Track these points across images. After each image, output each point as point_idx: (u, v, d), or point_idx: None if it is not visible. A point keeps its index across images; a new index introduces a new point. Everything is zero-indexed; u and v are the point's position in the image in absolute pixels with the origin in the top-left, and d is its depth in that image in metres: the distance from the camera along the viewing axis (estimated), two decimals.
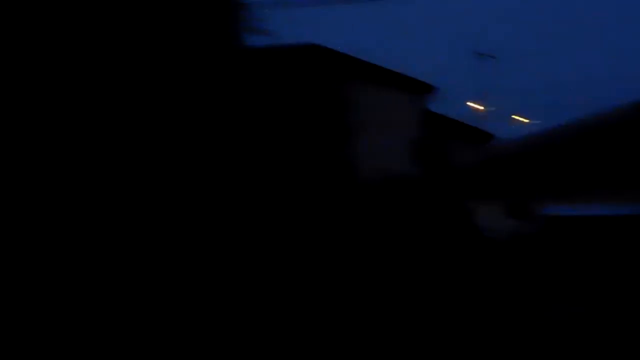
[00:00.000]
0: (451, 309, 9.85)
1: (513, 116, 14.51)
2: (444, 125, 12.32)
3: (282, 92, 10.36)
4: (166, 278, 8.29)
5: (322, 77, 10.86)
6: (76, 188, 8.05)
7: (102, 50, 8.15)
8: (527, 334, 9.87)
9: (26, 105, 7.95)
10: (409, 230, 10.26)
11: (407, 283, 9.94)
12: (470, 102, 14.42)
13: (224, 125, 9.09)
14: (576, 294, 9.98)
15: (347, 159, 10.52)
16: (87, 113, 8.06)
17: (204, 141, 8.71)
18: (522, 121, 14.07)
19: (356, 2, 13.43)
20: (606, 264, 10.06)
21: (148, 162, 8.29)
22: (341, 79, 11.09)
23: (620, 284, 10.04)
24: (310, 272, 9.33)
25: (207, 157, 8.68)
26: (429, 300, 9.84)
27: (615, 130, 10.69)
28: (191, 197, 8.49)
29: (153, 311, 8.18)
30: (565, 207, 10.33)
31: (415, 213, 10.34)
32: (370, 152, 10.75)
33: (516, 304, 9.90)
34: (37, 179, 7.94)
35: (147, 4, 8.46)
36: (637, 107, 10.99)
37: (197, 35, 8.90)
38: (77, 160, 8.03)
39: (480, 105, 14.34)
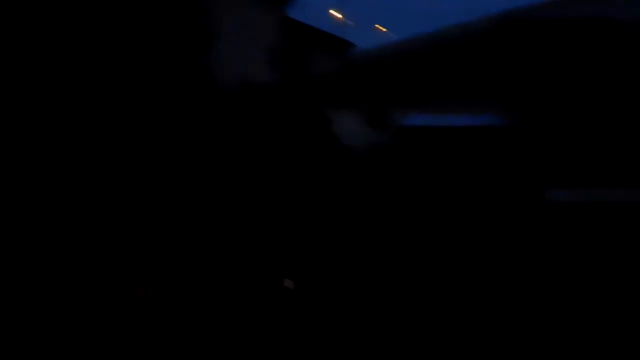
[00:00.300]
0: (308, 216, 9.87)
1: (374, 26, 14.42)
2: (303, 34, 12.16)
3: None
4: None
5: None
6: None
7: None
8: (385, 240, 9.98)
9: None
10: (267, 137, 10.17)
11: (264, 188, 9.91)
12: (331, 10, 14.26)
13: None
14: (432, 201, 10.13)
15: (204, 66, 10.29)
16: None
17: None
18: (383, 31, 13.99)
19: None
20: (461, 173, 10.20)
21: None
22: None
23: (474, 192, 10.23)
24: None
25: None
26: (286, 206, 9.84)
27: (475, 41, 10.74)
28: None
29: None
30: (423, 117, 10.38)
31: (274, 121, 10.24)
32: (228, 60, 10.53)
33: (374, 210, 9.99)
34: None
35: None
36: (498, 19, 11.05)
37: None
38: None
39: (341, 14, 14.20)
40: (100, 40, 9.53)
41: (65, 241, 9.01)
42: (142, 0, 9.96)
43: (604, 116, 10.12)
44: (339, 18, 14.65)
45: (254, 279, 9.88)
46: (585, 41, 10.25)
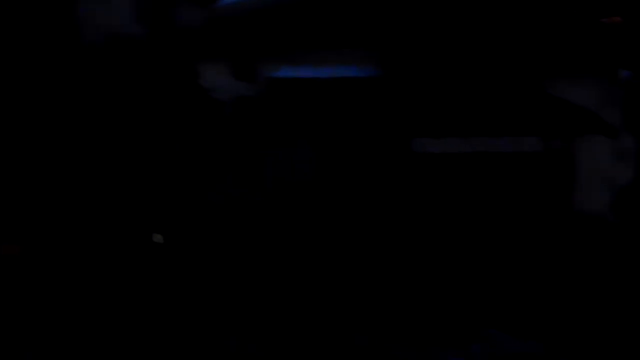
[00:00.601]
0: (176, 169, 9.82)
1: None
2: None
3: None
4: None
5: None
6: None
7: None
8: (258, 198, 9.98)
9: None
10: (134, 92, 10.06)
11: (132, 142, 9.83)
12: None
13: None
14: (298, 151, 10.14)
15: (68, 18, 10.11)
16: None
17: None
18: None
19: None
20: (329, 123, 10.21)
21: None
22: None
23: (342, 142, 10.26)
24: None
25: None
26: (154, 160, 9.77)
27: None
28: None
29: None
30: (292, 69, 10.34)
31: (141, 74, 10.11)
32: (92, 11, 10.35)
33: (241, 162, 9.97)
34: None
35: None
36: None
37: None
38: None
39: None
40: None
41: None
42: None
43: (470, 67, 10.18)
44: None
45: (126, 234, 9.83)
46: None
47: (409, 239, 9.94)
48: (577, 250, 9.83)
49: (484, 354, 8.34)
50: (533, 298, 9.62)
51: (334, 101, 10.19)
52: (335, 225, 10.00)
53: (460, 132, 10.04)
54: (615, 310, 9.30)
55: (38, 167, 9.66)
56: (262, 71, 10.25)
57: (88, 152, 9.78)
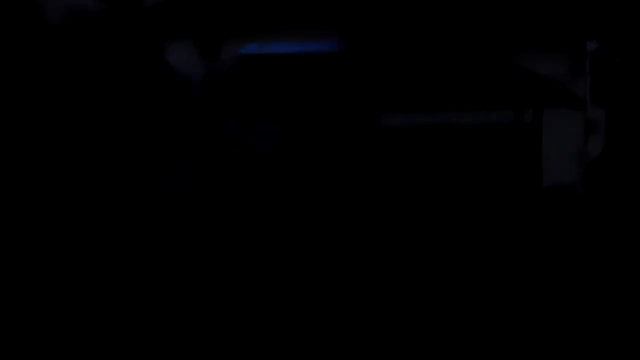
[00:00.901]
0: (143, 147, 9.74)
1: None
2: None
3: None
4: None
5: None
6: None
7: None
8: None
9: None
10: (100, 70, 9.95)
11: (98, 123, 9.75)
12: None
13: None
14: (265, 127, 10.10)
15: None
16: None
17: None
18: None
19: None
20: (297, 99, 10.16)
21: None
22: None
23: (309, 117, 10.22)
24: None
25: None
26: (121, 140, 9.69)
27: None
28: None
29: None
30: (259, 45, 10.25)
31: (107, 55, 9.99)
32: None
33: (212, 141, 9.92)
34: None
35: None
36: None
37: None
38: None
39: None
40: None
41: None
42: None
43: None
44: None
45: (89, 217, 9.76)
46: None
47: (378, 215, 9.94)
48: (546, 224, 9.88)
49: None
50: (500, 271, 9.67)
51: (302, 77, 10.12)
52: (303, 201, 9.97)
53: (429, 105, 10.02)
54: (584, 285, 9.37)
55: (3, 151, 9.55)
56: (229, 48, 10.14)
57: (51, 133, 9.65)
